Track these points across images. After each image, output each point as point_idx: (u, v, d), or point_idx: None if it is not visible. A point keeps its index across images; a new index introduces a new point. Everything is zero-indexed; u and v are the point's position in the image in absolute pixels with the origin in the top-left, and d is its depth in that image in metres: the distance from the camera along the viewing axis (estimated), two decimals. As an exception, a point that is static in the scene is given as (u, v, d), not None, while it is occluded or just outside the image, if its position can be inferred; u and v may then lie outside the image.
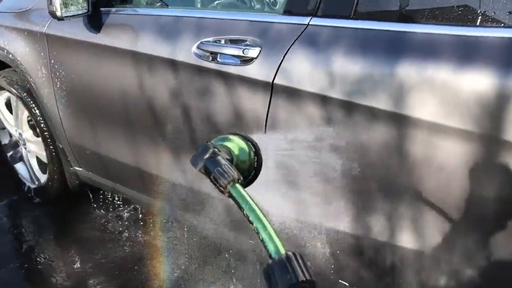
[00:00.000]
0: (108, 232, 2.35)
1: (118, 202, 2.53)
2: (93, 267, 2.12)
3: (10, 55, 2.21)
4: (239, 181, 0.67)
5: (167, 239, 2.28)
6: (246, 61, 1.43)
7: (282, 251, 0.57)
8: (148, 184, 1.94)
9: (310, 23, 1.35)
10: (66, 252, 2.23)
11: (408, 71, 1.16)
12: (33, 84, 2.17)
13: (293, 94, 1.34)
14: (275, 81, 1.37)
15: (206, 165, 0.69)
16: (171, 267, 2.10)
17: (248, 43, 1.44)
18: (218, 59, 1.50)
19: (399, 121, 1.18)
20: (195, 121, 1.61)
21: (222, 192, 0.66)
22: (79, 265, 2.13)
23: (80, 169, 2.27)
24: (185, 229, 2.31)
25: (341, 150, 1.29)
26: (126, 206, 2.49)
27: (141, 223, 2.41)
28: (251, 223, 0.61)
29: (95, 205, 2.53)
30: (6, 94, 2.46)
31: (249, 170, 0.77)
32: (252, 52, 1.42)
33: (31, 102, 2.26)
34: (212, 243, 2.20)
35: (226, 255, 2.15)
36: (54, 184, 2.43)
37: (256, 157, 0.76)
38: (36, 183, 2.58)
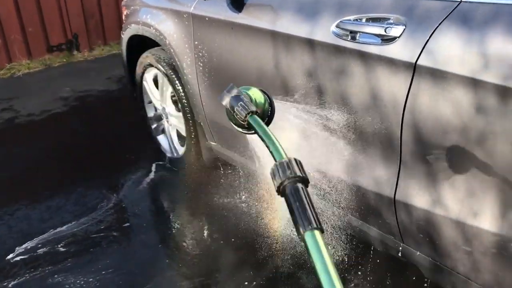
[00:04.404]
0: (236, 204, 2.47)
1: (247, 178, 2.63)
2: (220, 236, 2.24)
3: (160, 35, 2.40)
4: (256, 113, 0.83)
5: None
6: (388, 40, 1.37)
7: (284, 156, 0.72)
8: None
9: (464, -1, 1.24)
10: (197, 219, 2.39)
11: None
12: (178, 62, 2.33)
13: (438, 76, 1.25)
14: (418, 62, 1.29)
15: (231, 101, 0.85)
16: (293, 245, 2.13)
17: (391, 21, 1.37)
18: (358, 38, 1.45)
19: None
20: (331, 102, 1.58)
21: (242, 121, 0.82)
22: (207, 233, 2.27)
23: (215, 143, 2.40)
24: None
25: (491, 140, 1.17)
26: (255, 182, 2.58)
27: (269, 200, 2.48)
28: (264, 141, 0.77)
29: (225, 179, 2.66)
30: (154, 71, 2.68)
31: (263, 117, 0.90)
32: (395, 31, 1.35)
33: (175, 79, 2.43)
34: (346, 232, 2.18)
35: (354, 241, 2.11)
36: (190, 156, 2.61)
37: (270, 108, 0.90)
38: (175, 154, 2.79)
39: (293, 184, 0.67)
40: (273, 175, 0.69)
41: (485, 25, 1.18)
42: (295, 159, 0.70)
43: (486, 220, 1.26)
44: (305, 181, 0.68)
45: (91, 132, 3.38)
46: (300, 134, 1.79)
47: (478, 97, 1.17)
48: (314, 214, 0.64)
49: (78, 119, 3.64)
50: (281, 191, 0.68)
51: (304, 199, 0.65)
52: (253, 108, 0.83)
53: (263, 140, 0.77)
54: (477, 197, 1.27)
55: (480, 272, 1.34)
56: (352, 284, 1.91)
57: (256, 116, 0.82)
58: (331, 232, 2.10)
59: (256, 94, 0.90)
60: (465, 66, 1.19)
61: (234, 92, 0.86)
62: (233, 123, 0.87)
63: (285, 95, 1.76)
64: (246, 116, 0.81)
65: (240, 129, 0.88)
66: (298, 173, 0.68)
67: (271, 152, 0.74)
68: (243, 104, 0.83)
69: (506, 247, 1.24)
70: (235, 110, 0.83)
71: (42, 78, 4.48)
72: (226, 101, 0.86)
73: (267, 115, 0.90)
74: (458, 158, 1.29)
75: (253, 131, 0.82)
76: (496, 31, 1.15)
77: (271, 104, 0.90)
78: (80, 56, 5.03)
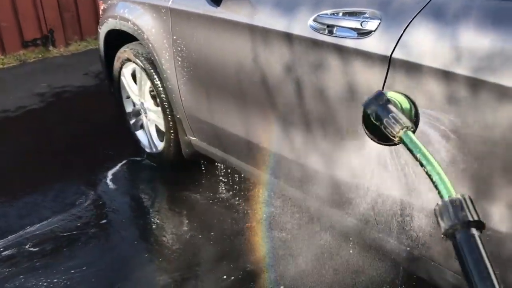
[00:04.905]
0: (215, 199, 2.48)
1: (227, 173, 2.64)
2: (200, 231, 2.25)
3: (138, 29, 2.38)
4: (411, 128, 0.72)
5: (270, 211, 2.34)
6: (364, 34, 1.40)
7: (453, 192, 0.61)
8: (258, 157, 1.99)
9: (436, -7, 1.27)
10: (176, 214, 2.39)
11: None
12: (156, 57, 2.32)
13: (412, 69, 1.28)
14: (393, 55, 1.32)
15: (378, 111, 0.75)
16: (271, 240, 2.16)
17: (367, 16, 1.40)
18: (335, 32, 1.48)
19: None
20: (308, 95, 1.61)
21: (392, 137, 0.72)
22: (187, 228, 2.28)
23: (194, 138, 2.40)
24: (289, 203, 2.35)
25: (462, 130, 1.21)
26: (234, 176, 2.59)
27: (248, 194, 2.50)
28: (423, 166, 0.67)
29: (205, 174, 2.67)
30: (132, 66, 2.66)
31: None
32: (371, 25, 1.38)
33: (154, 73, 2.42)
34: (315, 219, 2.21)
35: (327, 233, 2.15)
36: (169, 151, 2.60)
37: (415, 118, 0.79)
38: (154, 149, 2.78)
39: (467, 230, 0.57)
40: (441, 214, 0.59)
41: (457, 19, 1.21)
42: (469, 198, 0.60)
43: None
44: (481, 226, 0.58)
45: (68, 128, 3.34)
46: (281, 127, 1.82)
47: (450, 89, 1.21)
48: (493, 271, 0.54)
49: (55, 115, 3.59)
50: (449, 235, 0.58)
51: (482, 251, 0.55)
52: (408, 123, 0.72)
53: (422, 165, 0.67)
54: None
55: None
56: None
57: (411, 134, 0.71)
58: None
59: (400, 99, 0.80)
60: (438, 59, 1.22)
61: (383, 99, 0.76)
62: (369, 131, 0.78)
63: (263, 89, 1.78)
64: (398, 132, 0.71)
65: (376, 139, 0.79)
66: (475, 217, 0.58)
67: (434, 183, 0.64)
68: (395, 116, 0.73)
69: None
70: (384, 122, 0.73)
71: (17, 74, 4.40)
72: (372, 109, 0.76)
73: (415, 127, 0.79)
74: (430, 148, 1.32)
75: (392, 144, 0.73)
76: (468, 25, 1.19)
77: (417, 112, 0.80)
78: (56, 52, 4.95)
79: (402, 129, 0.71)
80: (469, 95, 1.18)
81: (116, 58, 2.74)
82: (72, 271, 2.03)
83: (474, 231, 0.57)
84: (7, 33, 4.66)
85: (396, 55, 1.31)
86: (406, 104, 0.79)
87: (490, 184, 1.23)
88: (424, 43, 1.26)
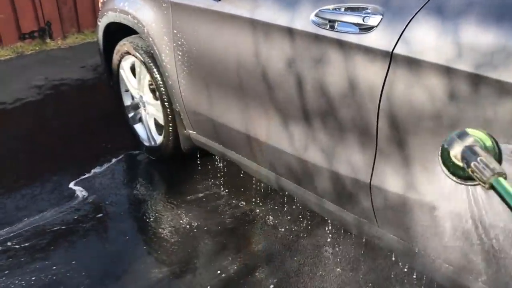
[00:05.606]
0: (214, 192, 2.48)
1: (225, 167, 2.65)
2: (198, 224, 2.26)
3: (138, 23, 2.38)
4: (503, 175, 0.69)
5: (267, 207, 2.35)
6: (366, 29, 1.40)
7: None
8: (257, 151, 2.00)
9: (439, -10, 1.28)
10: (175, 208, 2.39)
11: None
12: (156, 51, 2.32)
13: (414, 64, 1.29)
14: (395, 51, 1.33)
15: (465, 153, 0.73)
16: (267, 236, 2.17)
17: (369, 11, 1.41)
18: (336, 27, 1.48)
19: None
20: (309, 90, 1.61)
21: (482, 182, 0.69)
22: (185, 221, 2.28)
23: (193, 132, 2.41)
24: (285, 199, 2.37)
25: (464, 126, 1.22)
26: (232, 171, 2.60)
27: (243, 189, 2.51)
28: None
29: (203, 167, 2.68)
30: (131, 59, 2.66)
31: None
32: (373, 20, 1.39)
33: (153, 67, 2.42)
34: (313, 215, 2.23)
35: (326, 228, 2.16)
36: (168, 145, 2.61)
37: (499, 156, 0.77)
38: (152, 143, 2.78)
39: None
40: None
41: (460, 15, 1.22)
42: None
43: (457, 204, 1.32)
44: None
45: (66, 121, 3.33)
46: (281, 123, 1.82)
47: (452, 85, 1.22)
48: None
49: (52, 107, 3.58)
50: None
51: None
52: (499, 168, 0.69)
53: None
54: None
55: (451, 253, 1.40)
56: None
57: (503, 181, 0.68)
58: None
59: (483, 137, 0.78)
60: (440, 55, 1.23)
61: (469, 141, 0.74)
62: (449, 171, 0.77)
63: (264, 84, 1.78)
64: (489, 178, 0.69)
65: (455, 178, 0.77)
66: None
67: None
68: (485, 161, 0.70)
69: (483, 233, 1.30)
70: (471, 165, 0.71)
71: (14, 66, 4.37)
72: (456, 150, 0.75)
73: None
74: (432, 144, 1.33)
75: (475, 184, 0.72)
76: (470, 21, 1.19)
77: (499, 150, 0.77)
78: (53, 44, 4.93)
79: (493, 175, 0.69)
80: (470, 91, 1.19)
81: (115, 51, 2.73)
82: (71, 263, 2.03)
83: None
84: (4, 25, 4.63)
85: (398, 50, 1.32)
86: (489, 142, 0.77)
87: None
88: (426, 39, 1.27)
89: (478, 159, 0.70)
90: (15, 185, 2.59)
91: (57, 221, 2.30)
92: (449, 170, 0.77)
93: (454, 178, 0.77)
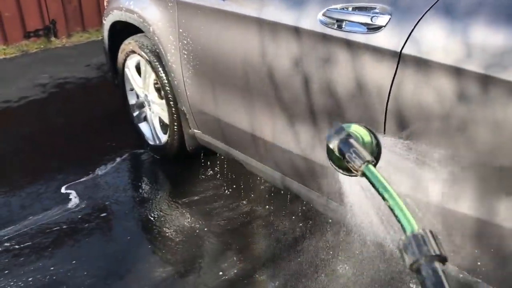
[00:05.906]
0: (219, 192, 2.48)
1: (229, 166, 2.64)
2: (203, 223, 2.25)
3: (144, 22, 2.37)
4: (372, 162, 0.73)
5: (271, 207, 2.35)
6: (374, 29, 1.39)
7: (415, 227, 0.62)
8: (262, 151, 1.99)
9: (448, -10, 1.27)
10: (180, 207, 2.39)
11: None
12: (162, 50, 2.31)
13: (423, 65, 1.28)
14: (403, 51, 1.32)
15: (340, 145, 0.76)
16: (271, 236, 2.16)
17: (377, 11, 1.40)
18: (344, 26, 1.47)
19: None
20: (316, 90, 1.61)
21: (354, 171, 0.73)
22: (190, 220, 2.28)
23: (198, 131, 2.40)
24: (289, 198, 2.36)
25: (473, 127, 1.21)
26: (236, 170, 2.59)
27: (248, 189, 2.50)
28: (385, 200, 0.67)
29: (208, 166, 2.67)
30: (136, 58, 2.65)
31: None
32: (381, 20, 1.38)
33: (159, 66, 2.42)
34: (318, 215, 2.22)
35: (328, 228, 2.16)
36: (173, 144, 2.60)
37: (377, 149, 0.80)
38: (157, 142, 2.78)
39: (431, 264, 0.59)
40: (405, 249, 0.61)
41: (469, 15, 1.21)
42: (431, 232, 0.61)
43: (465, 205, 1.31)
44: (443, 260, 0.60)
45: (71, 119, 3.33)
46: (287, 122, 1.82)
47: (461, 85, 1.21)
48: None
49: (56, 106, 3.58)
50: (414, 269, 0.60)
51: (445, 283, 0.57)
52: (369, 157, 0.74)
53: (384, 199, 0.68)
54: (458, 182, 1.31)
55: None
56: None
57: (372, 168, 0.73)
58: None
59: (361, 132, 0.82)
60: (449, 55, 1.22)
61: (343, 134, 0.78)
62: (334, 164, 0.80)
63: (270, 84, 1.78)
64: (360, 166, 0.73)
65: (341, 171, 0.80)
66: (437, 251, 0.59)
67: (397, 217, 0.65)
68: (356, 151, 0.74)
69: (484, 232, 1.29)
70: (346, 156, 0.75)
71: (19, 64, 4.38)
72: (334, 144, 0.77)
73: (374, 158, 0.79)
74: (440, 145, 1.33)
75: (353, 174, 0.75)
76: (480, 21, 1.18)
77: (378, 143, 0.81)
78: (58, 43, 4.93)
79: (364, 163, 0.72)
80: (480, 92, 1.18)
81: (120, 50, 2.73)
82: (74, 261, 2.03)
83: (438, 265, 0.59)
84: (10, 24, 4.63)
85: (406, 51, 1.31)
86: (367, 137, 0.80)
87: (499, 182, 1.23)
88: (435, 39, 1.26)
89: (351, 149, 0.74)
90: (20, 184, 2.59)
91: (61, 220, 2.30)
92: (334, 163, 0.80)
93: (340, 170, 0.80)
